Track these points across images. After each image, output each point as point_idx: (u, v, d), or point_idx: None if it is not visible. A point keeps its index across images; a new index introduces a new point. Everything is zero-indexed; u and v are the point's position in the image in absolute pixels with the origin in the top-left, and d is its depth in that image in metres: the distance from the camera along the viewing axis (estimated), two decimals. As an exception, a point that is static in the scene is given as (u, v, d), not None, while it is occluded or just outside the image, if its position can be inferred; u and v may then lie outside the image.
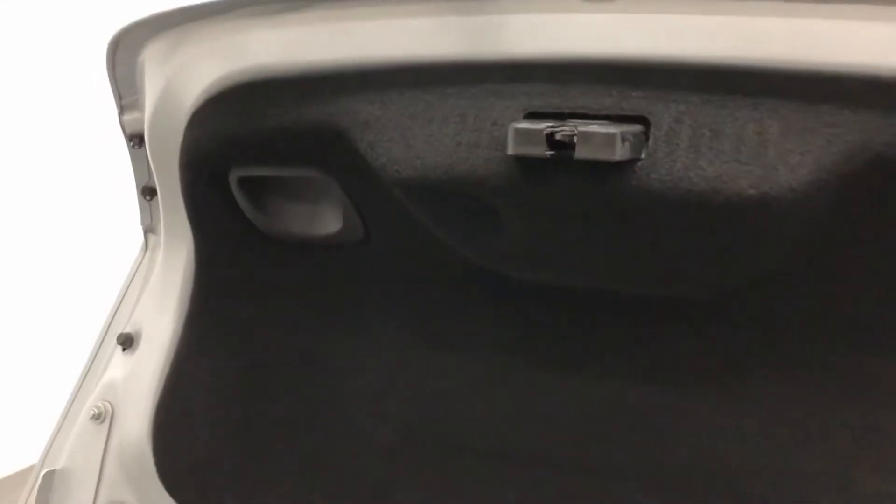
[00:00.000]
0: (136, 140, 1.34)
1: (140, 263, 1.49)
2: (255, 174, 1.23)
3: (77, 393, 1.48)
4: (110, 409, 1.40)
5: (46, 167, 3.47)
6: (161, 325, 1.39)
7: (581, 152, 0.88)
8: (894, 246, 0.98)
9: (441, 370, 1.36)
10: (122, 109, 1.32)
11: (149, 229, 1.46)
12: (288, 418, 1.43)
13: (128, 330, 1.43)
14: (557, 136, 0.89)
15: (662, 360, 1.23)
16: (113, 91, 1.29)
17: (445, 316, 1.34)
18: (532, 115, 0.96)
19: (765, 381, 1.18)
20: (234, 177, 1.23)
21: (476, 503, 1.34)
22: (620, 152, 0.87)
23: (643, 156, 0.91)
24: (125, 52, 1.22)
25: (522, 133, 0.91)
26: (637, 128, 0.91)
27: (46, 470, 1.44)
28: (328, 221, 1.28)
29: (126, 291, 1.49)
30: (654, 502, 1.26)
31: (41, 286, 3.51)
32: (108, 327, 1.48)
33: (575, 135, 0.88)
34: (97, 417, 1.41)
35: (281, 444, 1.43)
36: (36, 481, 1.44)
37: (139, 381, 1.38)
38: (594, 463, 1.28)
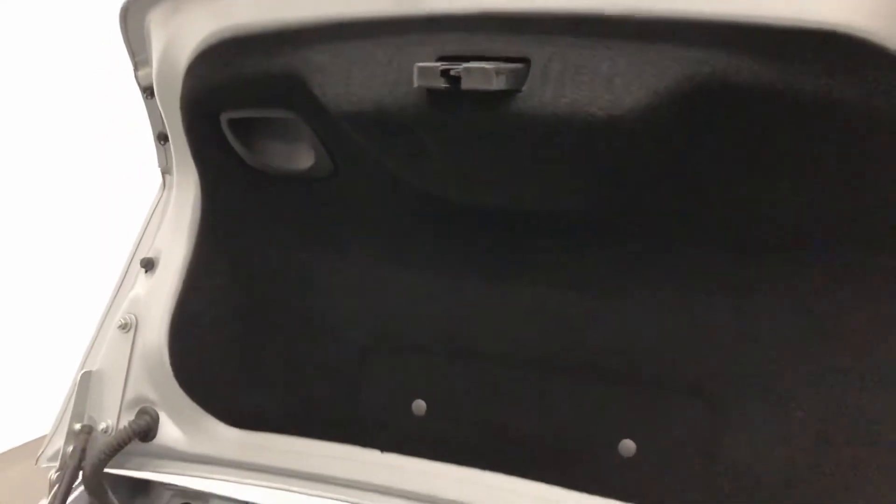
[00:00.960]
0: (148, 92, 1.56)
1: (159, 200, 1.73)
2: (240, 116, 1.46)
3: (109, 308, 1.74)
4: (135, 320, 1.67)
5: (86, 135, 3.78)
6: (175, 251, 1.64)
7: (466, 83, 1.10)
8: (732, 159, 1.17)
9: (402, 283, 1.58)
10: (136, 66, 1.55)
11: (165, 170, 1.70)
12: (279, 325, 1.67)
13: (150, 255, 1.69)
14: (452, 73, 1.12)
15: (574, 269, 1.42)
16: (127, 50, 1.52)
17: (404, 237, 1.55)
18: (442, 59, 1.18)
19: (657, 284, 1.37)
20: (224, 119, 1.46)
21: (429, 392, 1.57)
22: (497, 83, 1.09)
23: (523, 89, 1.12)
24: (134, 16, 1.45)
25: (423, 70, 1.14)
26: (519, 66, 1.13)
27: (84, 371, 1.70)
28: (303, 158, 1.50)
29: (148, 224, 1.73)
30: (574, 389, 1.47)
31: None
32: (134, 254, 1.74)
33: (461, 71, 1.10)
34: (124, 327, 1.67)
35: (273, 347, 1.68)
36: (76, 381, 1.70)
37: (158, 297, 1.64)
38: (525, 357, 1.50)
